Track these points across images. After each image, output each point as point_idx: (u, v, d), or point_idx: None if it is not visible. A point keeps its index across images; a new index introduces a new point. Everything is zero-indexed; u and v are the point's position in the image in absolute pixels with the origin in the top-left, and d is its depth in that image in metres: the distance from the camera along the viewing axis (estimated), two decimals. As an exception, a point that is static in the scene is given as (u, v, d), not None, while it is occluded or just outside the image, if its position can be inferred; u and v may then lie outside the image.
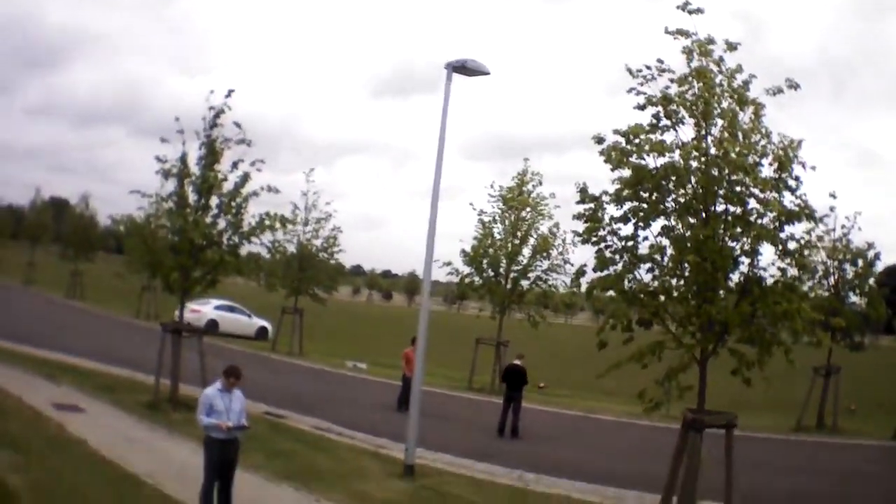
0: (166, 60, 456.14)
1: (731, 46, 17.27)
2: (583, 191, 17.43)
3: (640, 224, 17.21)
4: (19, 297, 77.26)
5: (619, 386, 42.56)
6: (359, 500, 19.34)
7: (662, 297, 17.16)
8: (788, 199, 16.92)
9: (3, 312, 56.27)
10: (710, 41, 17.16)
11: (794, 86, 17.14)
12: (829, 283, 37.07)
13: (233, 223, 27.84)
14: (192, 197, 27.83)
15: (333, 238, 53.03)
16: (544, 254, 42.41)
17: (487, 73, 22.16)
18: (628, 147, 16.89)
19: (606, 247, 17.42)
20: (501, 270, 42.69)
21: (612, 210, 17.36)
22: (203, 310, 58.82)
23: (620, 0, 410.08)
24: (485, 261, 42.66)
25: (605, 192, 17.26)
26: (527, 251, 42.68)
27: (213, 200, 27.78)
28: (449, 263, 42.42)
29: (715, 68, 17.06)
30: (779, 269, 16.98)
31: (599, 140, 17.07)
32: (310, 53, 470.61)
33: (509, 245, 42.52)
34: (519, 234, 42.38)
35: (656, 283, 17.19)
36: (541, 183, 43.07)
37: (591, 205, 17.34)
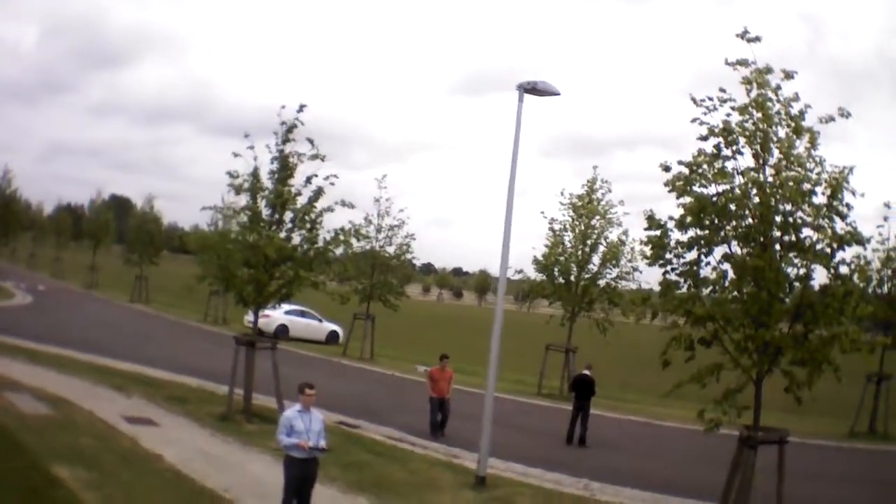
0: (237, 59, 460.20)
1: (788, 75, 18.43)
2: (650, 218, 18.83)
3: (703, 250, 18.57)
4: (82, 301, 79.12)
5: (687, 389, 43.49)
6: (431, 513, 20.50)
7: (721, 321, 18.34)
8: (839, 226, 18.04)
9: (67, 319, 58.44)
10: (768, 70, 18.35)
11: (845, 114, 18.35)
12: (883, 291, 37.19)
13: (308, 238, 28.57)
14: (265, 211, 28.69)
15: (407, 245, 53.87)
16: (613, 262, 43.65)
17: (558, 94, 23.15)
18: (692, 176, 18.26)
19: (672, 269, 18.87)
20: (572, 278, 43.88)
21: (677, 235, 18.72)
22: (273, 314, 59.18)
23: (696, 2, 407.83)
24: (556, 269, 43.96)
25: (671, 218, 18.62)
26: (596, 259, 43.91)
27: (287, 215, 28.47)
28: (521, 271, 43.73)
29: (773, 96, 18.26)
30: (830, 293, 17.94)
31: (666, 168, 18.49)
32: (383, 51, 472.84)
33: (579, 253, 43.71)
34: (589, 242, 43.56)
35: (716, 307, 18.40)
36: (610, 190, 44.21)
37: (658, 231, 18.74)
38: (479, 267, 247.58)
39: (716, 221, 18.33)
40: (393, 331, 61.93)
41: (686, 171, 18.32)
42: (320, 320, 64.86)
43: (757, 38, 18.50)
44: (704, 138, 18.40)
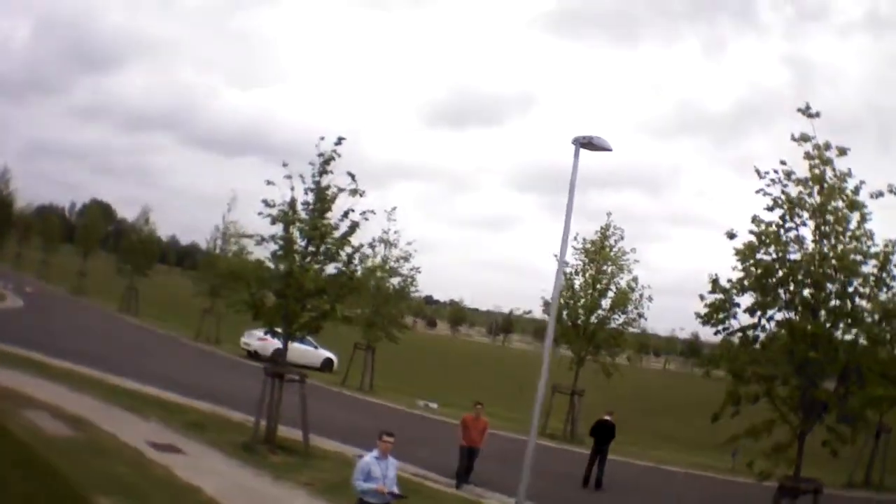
0: (221, 71, 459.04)
1: (842, 151, 19.45)
2: (714, 282, 19.71)
3: (762, 314, 19.44)
4: (72, 308, 79.11)
5: (676, 431, 44.17)
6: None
7: (780, 381, 19.22)
8: (885, 296, 19.25)
9: (62, 327, 58.35)
10: (827, 146, 19.36)
11: (894, 191, 19.14)
12: None
13: (345, 272, 28.71)
14: (299, 242, 28.33)
15: (411, 279, 52.98)
16: (622, 308, 44.33)
17: (610, 150, 23.71)
18: (759, 245, 19.21)
19: (724, 329, 19.91)
20: (580, 322, 44.33)
21: (736, 299, 19.71)
22: (270, 338, 59.42)
23: (680, 48, 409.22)
24: (565, 312, 44.29)
25: (729, 281, 19.60)
26: (605, 303, 44.46)
27: (322, 247, 28.23)
28: (529, 312, 44.19)
29: (830, 173, 19.30)
30: (875, 358, 19.01)
31: (731, 236, 19.50)
32: (368, 75, 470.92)
33: (589, 298, 44.24)
34: (598, 287, 44.17)
35: (777, 368, 19.28)
36: (622, 237, 44.94)
37: (721, 295, 19.56)
38: (451, 297, 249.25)
39: (777, 289, 19.20)
40: (385, 360, 61.62)
41: (755, 240, 19.22)
42: (316, 347, 64.07)
43: (817, 114, 19.39)
44: (770, 209, 19.41)
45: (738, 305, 19.71)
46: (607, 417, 32.88)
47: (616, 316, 44.56)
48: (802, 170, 19.54)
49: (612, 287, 44.41)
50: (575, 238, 45.12)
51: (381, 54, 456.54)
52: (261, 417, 28.24)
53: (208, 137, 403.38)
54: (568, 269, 44.43)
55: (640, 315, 44.61)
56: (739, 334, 19.77)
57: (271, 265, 29.34)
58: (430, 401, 52.20)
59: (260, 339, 59.89)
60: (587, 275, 44.42)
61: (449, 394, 59.35)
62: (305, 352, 62.39)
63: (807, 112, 19.33)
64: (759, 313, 19.46)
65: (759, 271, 19.18)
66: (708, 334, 21.03)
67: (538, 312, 45.42)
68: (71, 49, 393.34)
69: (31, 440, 22.55)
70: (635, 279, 44.64)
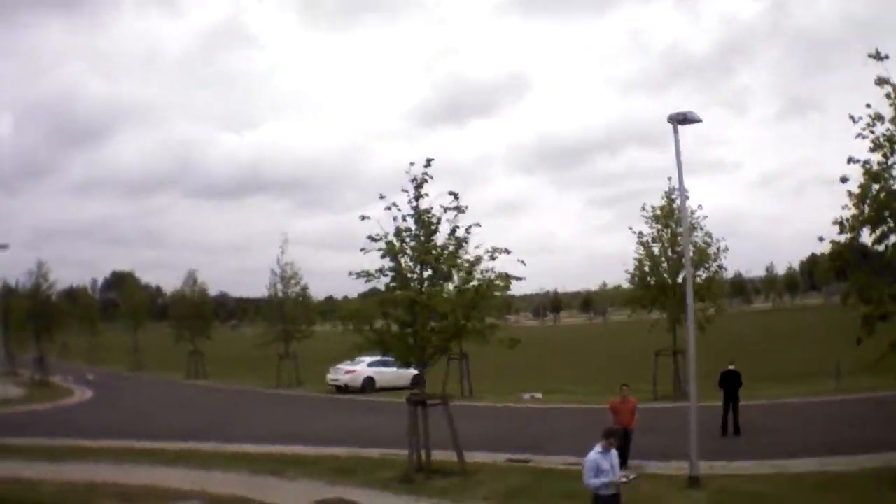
0: (212, 118, 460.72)
1: None
2: (841, 223, 22.71)
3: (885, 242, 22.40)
4: (142, 385, 78.70)
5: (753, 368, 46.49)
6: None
7: None
8: None
9: (144, 408, 58.20)
10: None
11: None
12: None
13: (470, 290, 29.32)
14: (412, 270, 28.97)
15: (490, 279, 53.69)
16: (704, 264, 46.90)
17: (700, 121, 26.27)
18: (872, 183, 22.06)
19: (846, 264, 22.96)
20: (668, 283, 46.80)
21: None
22: (358, 369, 61.42)
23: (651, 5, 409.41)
24: (651, 278, 47.11)
25: (847, 219, 22.60)
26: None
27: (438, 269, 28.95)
28: (618, 287, 46.44)
29: None
30: None
31: (844, 179, 22.42)
32: (359, 91, 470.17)
33: (670, 261, 46.77)
34: (678, 249, 46.04)
35: None
36: (688, 197, 46.55)
37: (850, 234, 22.59)
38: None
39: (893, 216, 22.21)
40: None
41: (866, 180, 22.25)
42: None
43: (886, 56, 22.20)
44: (872, 150, 22.22)
45: (876, 241, 22.46)
46: (731, 367, 35.53)
47: (700, 272, 46.53)
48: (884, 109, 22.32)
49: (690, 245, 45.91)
50: (643, 208, 48.00)
51: (369, 70, 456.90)
52: (413, 447, 28.98)
53: (212, 185, 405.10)
54: (644, 238, 47.57)
55: (721, 267, 47.53)
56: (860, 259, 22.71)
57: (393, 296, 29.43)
58: (533, 392, 54.22)
59: (348, 372, 62.12)
60: (664, 239, 46.98)
61: (540, 381, 61.00)
62: (394, 373, 61.61)
63: (877, 56, 22.00)
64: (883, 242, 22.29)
65: (871, 209, 22.09)
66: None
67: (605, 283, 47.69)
68: (58, 129, 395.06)
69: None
70: (709, 234, 47.33)
